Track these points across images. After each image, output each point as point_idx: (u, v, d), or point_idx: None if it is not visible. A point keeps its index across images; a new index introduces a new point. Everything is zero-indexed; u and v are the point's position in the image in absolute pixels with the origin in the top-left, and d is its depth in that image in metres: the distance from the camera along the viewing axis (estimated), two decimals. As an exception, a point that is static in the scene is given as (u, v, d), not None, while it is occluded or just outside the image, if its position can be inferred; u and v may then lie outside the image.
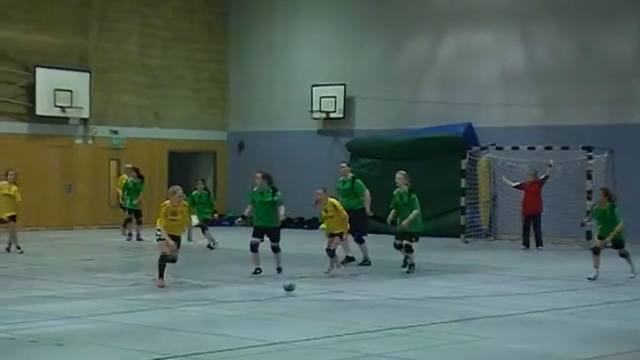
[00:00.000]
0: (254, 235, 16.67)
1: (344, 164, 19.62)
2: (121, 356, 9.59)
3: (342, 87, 28.78)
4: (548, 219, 23.41)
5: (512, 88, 26.10)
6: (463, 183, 25.10)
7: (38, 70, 26.90)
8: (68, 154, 28.01)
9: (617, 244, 16.90)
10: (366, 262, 18.31)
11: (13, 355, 9.71)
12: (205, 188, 23.37)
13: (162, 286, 14.73)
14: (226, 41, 31.44)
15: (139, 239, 23.45)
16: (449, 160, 25.46)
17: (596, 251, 16.55)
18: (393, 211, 17.47)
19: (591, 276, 16.36)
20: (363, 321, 12.09)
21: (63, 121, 27.64)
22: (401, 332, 11.22)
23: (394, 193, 17.51)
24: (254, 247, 16.55)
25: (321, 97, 29.06)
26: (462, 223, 25.06)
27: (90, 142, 28.47)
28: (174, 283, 15.41)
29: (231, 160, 31.34)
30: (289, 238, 18.71)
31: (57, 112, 27.23)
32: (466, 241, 24.69)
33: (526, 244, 22.82)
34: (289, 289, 14.27)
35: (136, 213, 23.91)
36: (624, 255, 16.94)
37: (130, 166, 25.63)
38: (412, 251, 17.21)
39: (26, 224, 26.55)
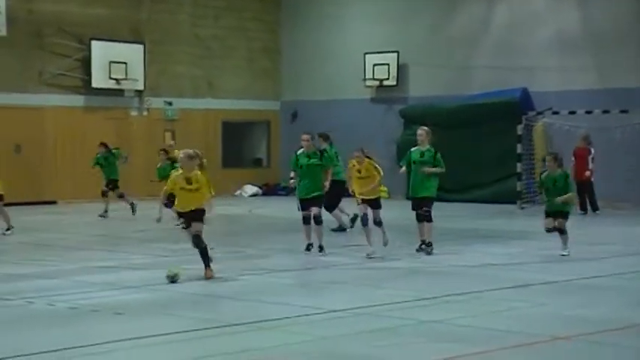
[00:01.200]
0: (304, 208, 15.53)
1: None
2: (179, 325, 9.71)
3: (396, 54, 28.62)
4: (607, 183, 23.16)
5: (568, 51, 25.73)
6: (519, 149, 24.85)
7: (93, 42, 27.16)
8: (123, 126, 28.29)
9: (563, 214, 14.95)
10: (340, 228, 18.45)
11: (74, 324, 9.89)
12: (169, 158, 20.41)
13: (211, 277, 12.65)
14: (278, 10, 31.41)
15: (134, 212, 22.39)
16: (504, 126, 25.23)
17: (550, 231, 15.10)
18: (403, 168, 15.58)
19: (564, 252, 14.90)
20: (418, 288, 12.10)
21: (118, 93, 27.92)
22: (456, 299, 11.21)
23: (412, 150, 15.50)
24: (307, 220, 15.48)
25: (374, 65, 28.94)
26: (519, 189, 24.84)
27: (145, 113, 28.73)
28: (231, 252, 15.53)
29: (284, 130, 31.39)
30: (341, 207, 18.71)
31: (112, 85, 27.50)
32: (522, 207, 24.49)
33: (583, 209, 22.58)
34: (173, 279, 12.29)
35: (113, 183, 22.76)
36: (562, 232, 14.97)
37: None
38: (432, 221, 15.30)
39: (83, 196, 26.99)
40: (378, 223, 15.36)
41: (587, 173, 22.51)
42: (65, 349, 8.68)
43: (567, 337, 9.15)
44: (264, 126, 31.59)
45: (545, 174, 15.20)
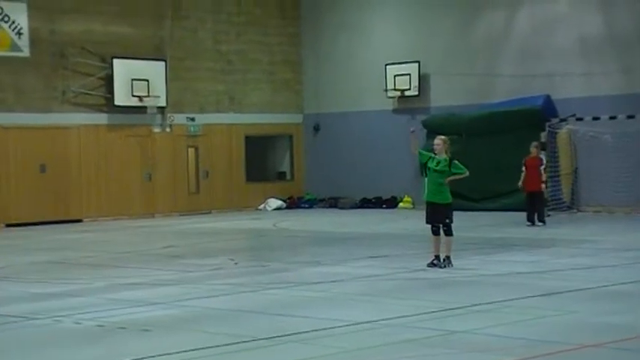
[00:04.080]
0: None
1: None
2: (206, 340, 9.69)
3: (417, 64, 28.59)
4: (632, 188, 22.99)
5: (592, 56, 25.61)
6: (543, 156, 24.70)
7: (115, 60, 27.30)
8: (147, 143, 28.40)
9: None
10: None
11: (102, 342, 9.89)
12: None
13: None
14: (299, 24, 31.47)
15: None
16: (528, 134, 25.10)
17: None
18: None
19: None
20: (447, 298, 12.02)
21: (141, 110, 28.04)
22: (485, 308, 11.13)
23: (431, 156, 14.82)
24: None
25: (395, 76, 28.93)
26: (544, 196, 24.65)
27: (168, 130, 28.83)
28: (257, 266, 15.51)
29: (307, 143, 31.41)
30: (366, 218, 18.66)
31: (134, 102, 27.63)
32: (548, 215, 24.32)
33: (530, 220, 22.03)
34: None
35: None
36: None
37: None
38: (452, 234, 14.73)
39: (109, 213, 27.11)
40: None
41: (543, 186, 22.19)
42: (93, 366, 8.67)
43: (597, 344, 9.06)
44: (287, 139, 31.62)
45: None
